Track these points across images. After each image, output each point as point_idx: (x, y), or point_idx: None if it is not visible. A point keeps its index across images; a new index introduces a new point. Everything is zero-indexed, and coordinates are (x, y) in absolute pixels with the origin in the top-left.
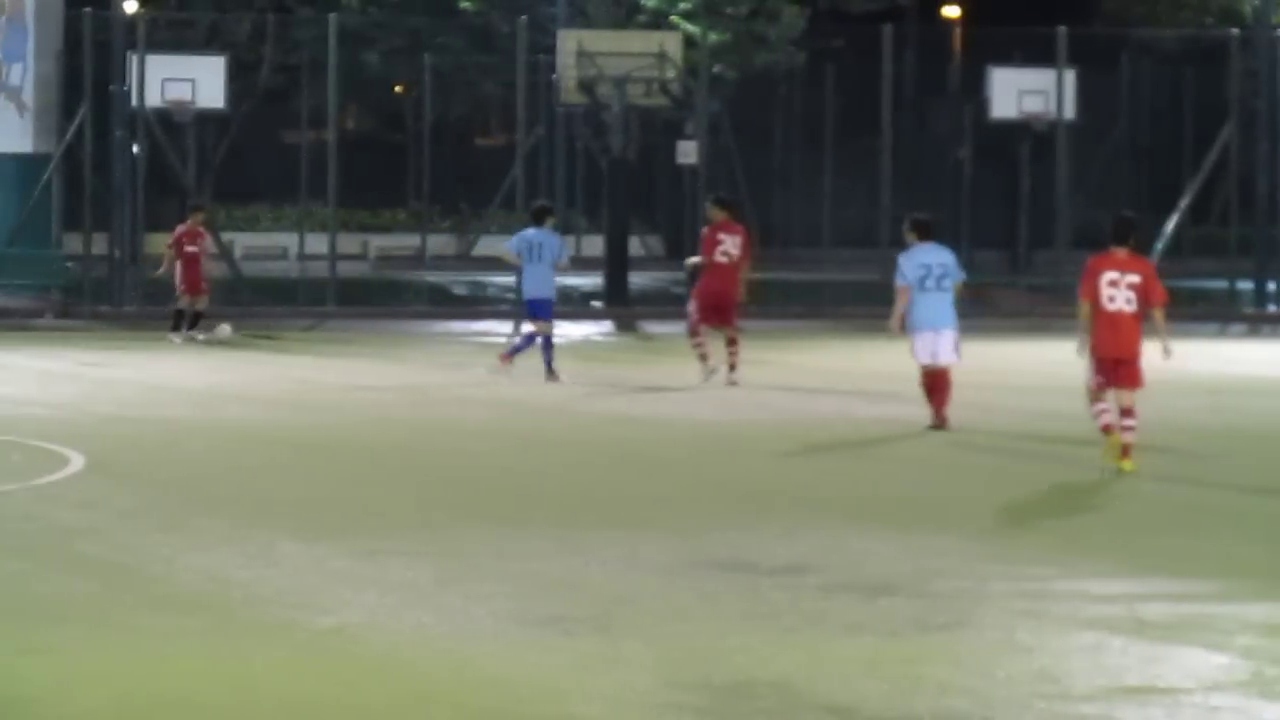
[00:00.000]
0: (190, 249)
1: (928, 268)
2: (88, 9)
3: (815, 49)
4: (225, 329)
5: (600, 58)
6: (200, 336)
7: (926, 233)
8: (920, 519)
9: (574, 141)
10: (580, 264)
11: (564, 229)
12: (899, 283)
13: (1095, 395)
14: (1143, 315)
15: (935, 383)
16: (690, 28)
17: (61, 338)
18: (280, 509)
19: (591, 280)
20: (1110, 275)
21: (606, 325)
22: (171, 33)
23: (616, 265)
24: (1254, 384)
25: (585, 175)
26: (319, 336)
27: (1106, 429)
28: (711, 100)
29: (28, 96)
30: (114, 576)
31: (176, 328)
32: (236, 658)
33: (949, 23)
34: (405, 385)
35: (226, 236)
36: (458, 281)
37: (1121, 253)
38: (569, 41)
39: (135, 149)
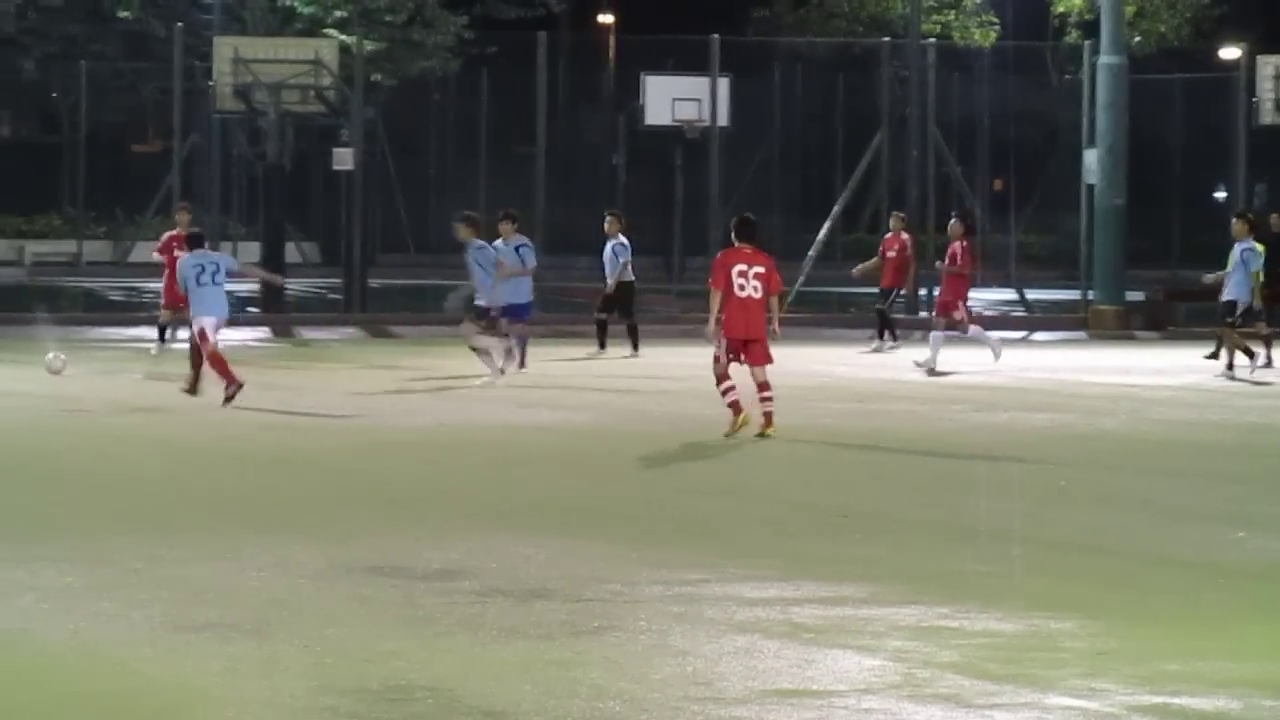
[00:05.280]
0: None
1: (201, 266)
2: None
3: (470, 56)
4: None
5: (256, 65)
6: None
7: (197, 241)
8: (572, 524)
9: (230, 148)
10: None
11: (220, 235)
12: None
13: (723, 374)
14: (765, 301)
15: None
16: (345, 37)
17: None
18: None
19: (248, 287)
20: (740, 266)
21: (263, 331)
22: None
23: (272, 272)
24: (900, 389)
25: (242, 182)
26: None
27: (735, 406)
28: (367, 107)
29: None
30: None
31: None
32: None
33: (603, 30)
34: (56, 391)
35: None
36: (113, 287)
37: (747, 248)
38: (225, 48)
39: None
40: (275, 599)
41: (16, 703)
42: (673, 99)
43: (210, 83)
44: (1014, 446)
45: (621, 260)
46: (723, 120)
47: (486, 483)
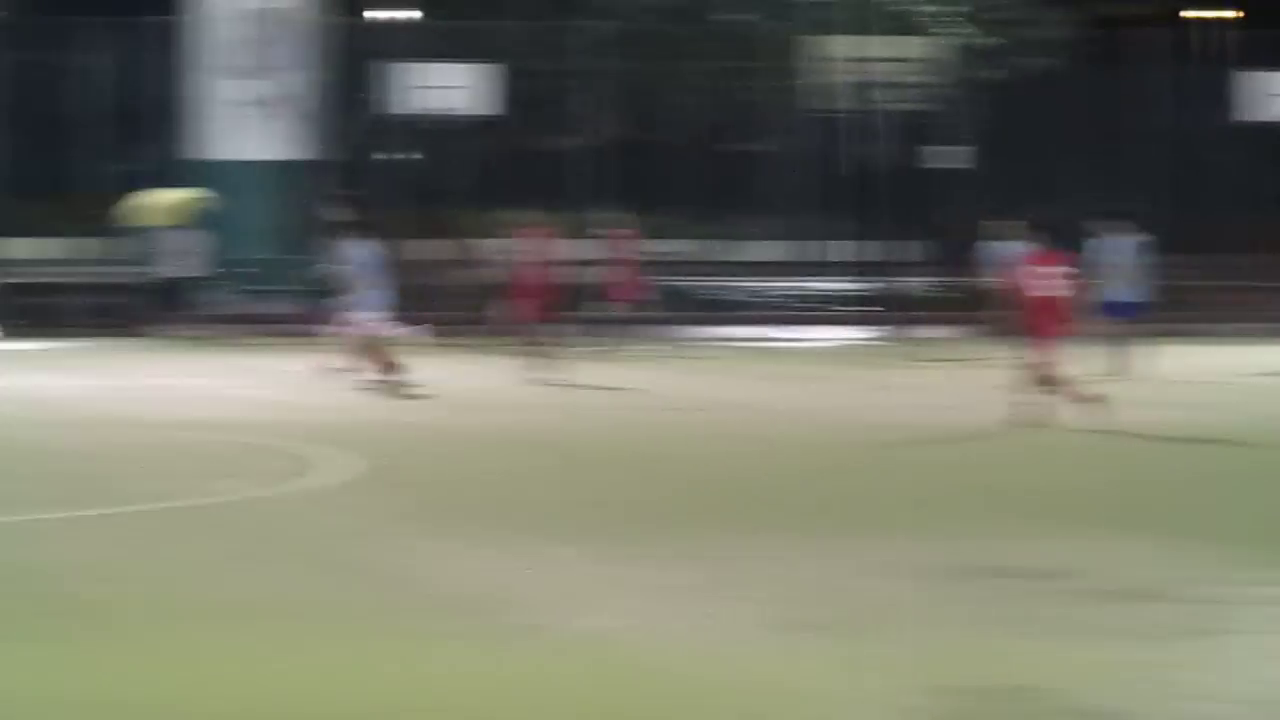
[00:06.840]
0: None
1: None
2: (349, 18)
3: (1077, 54)
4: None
5: (856, 63)
6: None
7: None
8: (1176, 523)
9: (834, 148)
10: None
11: (824, 235)
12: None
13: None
14: None
15: None
16: (958, 30)
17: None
18: (543, 513)
19: (862, 285)
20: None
21: (879, 330)
22: (442, 41)
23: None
24: None
25: (844, 181)
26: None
27: None
28: (974, 105)
29: (291, 104)
30: (380, 581)
31: None
32: (494, 661)
33: (1216, 25)
34: (660, 389)
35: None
36: (720, 286)
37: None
38: (825, 47)
39: (397, 156)
40: (878, 599)
41: (618, 702)
42: None
43: (811, 81)
44: None
45: None
46: None
47: (1091, 481)
